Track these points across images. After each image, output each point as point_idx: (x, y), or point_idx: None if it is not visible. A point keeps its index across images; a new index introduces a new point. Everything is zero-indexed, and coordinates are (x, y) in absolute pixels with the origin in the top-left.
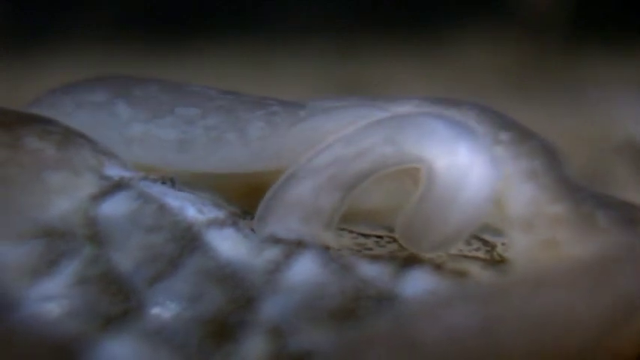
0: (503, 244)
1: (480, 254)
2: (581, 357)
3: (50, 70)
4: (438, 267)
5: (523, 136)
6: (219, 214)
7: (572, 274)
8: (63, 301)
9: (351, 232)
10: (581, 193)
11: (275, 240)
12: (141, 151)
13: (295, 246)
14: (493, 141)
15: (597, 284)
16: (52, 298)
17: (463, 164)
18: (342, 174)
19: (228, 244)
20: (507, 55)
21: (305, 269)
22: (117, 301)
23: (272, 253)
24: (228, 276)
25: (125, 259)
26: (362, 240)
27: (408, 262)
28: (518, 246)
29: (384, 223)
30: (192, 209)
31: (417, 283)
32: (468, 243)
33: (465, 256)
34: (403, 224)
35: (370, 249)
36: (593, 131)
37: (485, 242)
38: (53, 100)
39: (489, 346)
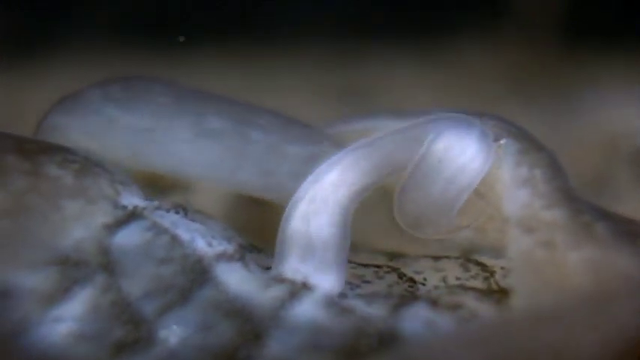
0: (502, 268)
1: (478, 283)
2: None
3: (52, 73)
4: (434, 302)
5: (531, 147)
6: (228, 247)
7: (571, 310)
8: (74, 327)
9: (350, 262)
10: (581, 204)
11: (281, 279)
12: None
13: (300, 287)
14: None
15: (597, 319)
16: (64, 323)
17: (458, 141)
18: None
19: (236, 279)
20: (505, 60)
21: (308, 309)
22: (128, 330)
23: (278, 291)
24: (237, 310)
25: (136, 288)
26: (361, 271)
27: (405, 299)
28: (517, 245)
29: (385, 247)
30: (201, 242)
31: (415, 320)
32: (467, 269)
33: (463, 287)
34: (396, 203)
35: (369, 281)
36: (594, 135)
37: (483, 267)
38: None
39: None
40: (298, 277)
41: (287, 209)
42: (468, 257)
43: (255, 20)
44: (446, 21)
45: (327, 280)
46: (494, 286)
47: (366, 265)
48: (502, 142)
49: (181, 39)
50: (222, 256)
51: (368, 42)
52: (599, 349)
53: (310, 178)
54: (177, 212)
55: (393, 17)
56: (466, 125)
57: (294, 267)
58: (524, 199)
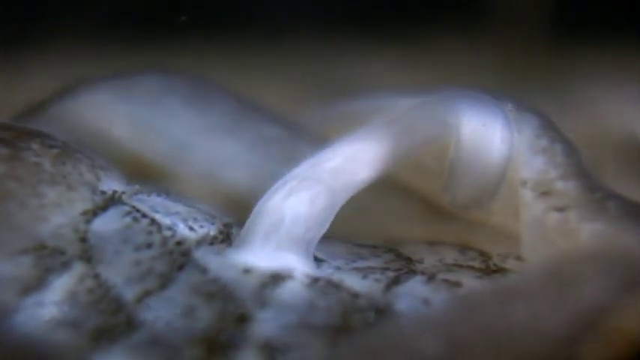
0: (498, 255)
1: (476, 264)
2: None
3: (35, 71)
4: (430, 278)
5: (551, 125)
6: (211, 229)
7: (539, 288)
8: (53, 314)
9: (346, 242)
10: (594, 182)
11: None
12: None
13: (280, 274)
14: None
15: (564, 299)
16: (42, 310)
17: (488, 126)
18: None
19: (218, 262)
20: (494, 57)
21: (294, 287)
22: (107, 316)
23: (261, 272)
24: (218, 292)
25: (115, 275)
26: (357, 249)
27: (401, 273)
28: (530, 210)
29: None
30: (182, 226)
31: (411, 296)
32: (464, 253)
33: (460, 266)
34: (445, 188)
35: (365, 258)
36: (584, 131)
37: (481, 252)
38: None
39: None
40: (275, 265)
41: (274, 186)
42: (464, 245)
43: (246, 16)
44: (432, 17)
45: (288, 259)
46: (493, 267)
47: (362, 245)
48: (509, 107)
49: (183, 18)
50: (203, 240)
51: (349, 37)
52: (563, 329)
53: (311, 161)
54: (158, 195)
55: (374, 10)
56: (486, 103)
57: (255, 243)
58: (541, 166)
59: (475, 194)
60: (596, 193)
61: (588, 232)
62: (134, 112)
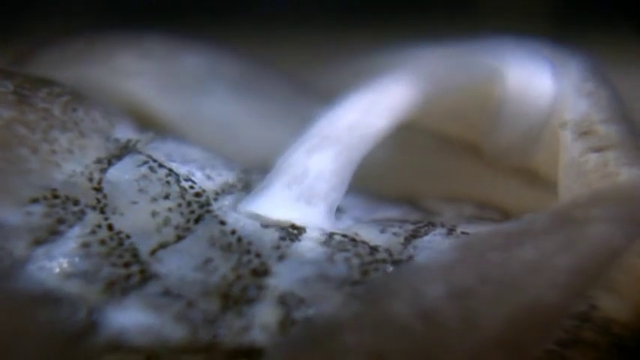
0: (517, 210)
1: (495, 216)
2: (565, 312)
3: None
4: (450, 230)
5: (598, 70)
6: (229, 176)
7: (546, 227)
8: (64, 264)
9: (366, 194)
10: (638, 129)
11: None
12: None
13: (299, 227)
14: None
15: (571, 239)
16: (54, 261)
17: (532, 71)
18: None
19: (236, 215)
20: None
21: (312, 241)
22: (120, 267)
23: (280, 225)
24: (234, 243)
25: (130, 226)
26: (376, 201)
27: (420, 226)
28: (569, 152)
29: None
30: (199, 175)
31: (430, 249)
32: (482, 208)
33: (480, 218)
34: (485, 138)
35: (385, 209)
36: None
37: (500, 209)
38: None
39: (463, 321)
40: (276, 208)
41: (293, 145)
42: (483, 202)
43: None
44: (432, 6)
45: (309, 212)
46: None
47: (382, 197)
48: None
49: None
50: (222, 188)
51: (346, 26)
52: (572, 268)
53: (329, 117)
54: (173, 140)
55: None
56: (531, 47)
57: (276, 192)
58: (584, 108)
59: (519, 139)
60: (638, 139)
61: (626, 175)
62: (179, 100)
